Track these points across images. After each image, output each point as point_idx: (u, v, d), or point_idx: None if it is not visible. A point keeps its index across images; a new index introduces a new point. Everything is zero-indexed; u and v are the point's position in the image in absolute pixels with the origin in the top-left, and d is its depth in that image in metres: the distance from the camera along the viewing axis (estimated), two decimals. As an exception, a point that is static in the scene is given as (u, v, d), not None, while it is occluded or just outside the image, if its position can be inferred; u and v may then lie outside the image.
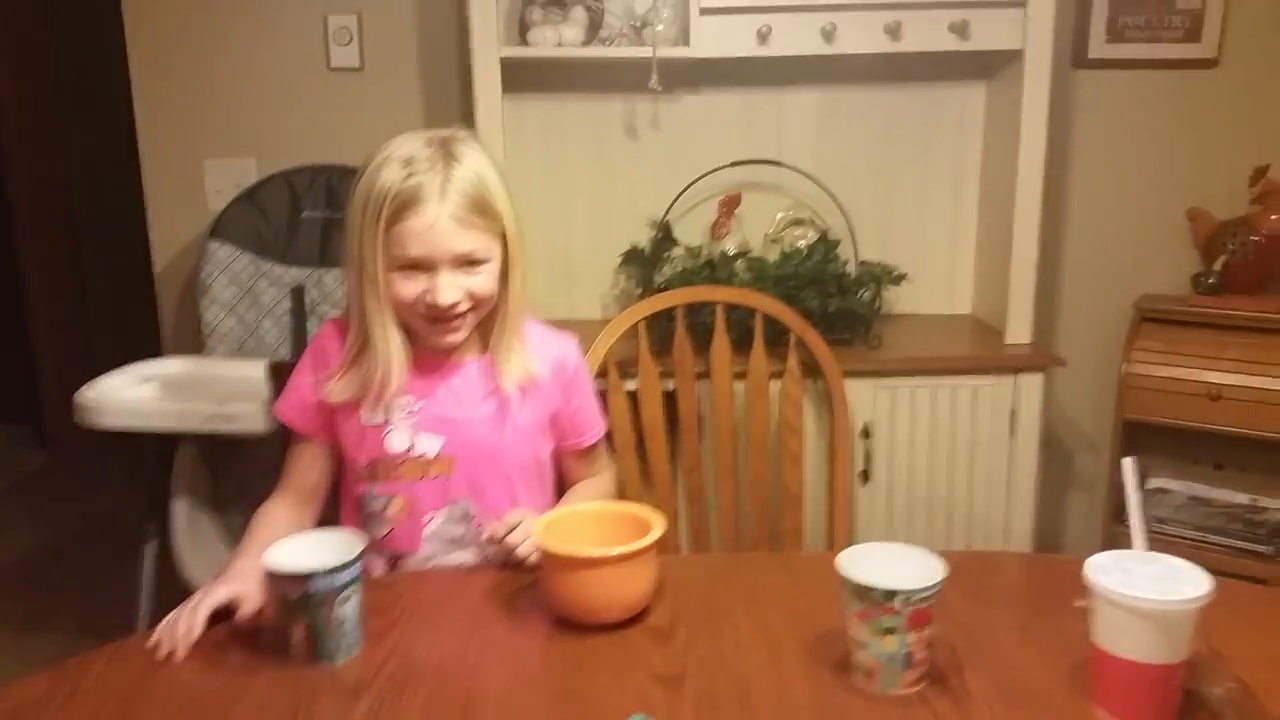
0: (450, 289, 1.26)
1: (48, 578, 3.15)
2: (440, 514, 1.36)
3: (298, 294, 2.29)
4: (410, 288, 1.27)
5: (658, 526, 1.14)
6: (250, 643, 1.10)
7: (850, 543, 1.05)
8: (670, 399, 1.98)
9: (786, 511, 1.96)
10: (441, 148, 1.27)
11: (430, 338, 1.32)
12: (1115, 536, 2.05)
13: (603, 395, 1.54)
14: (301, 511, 1.37)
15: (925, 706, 0.96)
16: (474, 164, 1.28)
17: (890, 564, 0.98)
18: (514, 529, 1.26)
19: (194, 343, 2.38)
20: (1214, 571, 0.92)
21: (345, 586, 1.04)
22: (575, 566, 1.10)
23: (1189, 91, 2.52)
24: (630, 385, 1.95)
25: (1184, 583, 0.90)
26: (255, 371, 1.98)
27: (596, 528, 1.18)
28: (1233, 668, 0.99)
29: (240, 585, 1.15)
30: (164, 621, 1.12)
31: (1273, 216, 2.36)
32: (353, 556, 1.06)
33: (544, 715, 0.98)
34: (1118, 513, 2.44)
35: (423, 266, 1.26)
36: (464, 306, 1.29)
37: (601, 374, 1.89)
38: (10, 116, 3.98)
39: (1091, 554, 0.96)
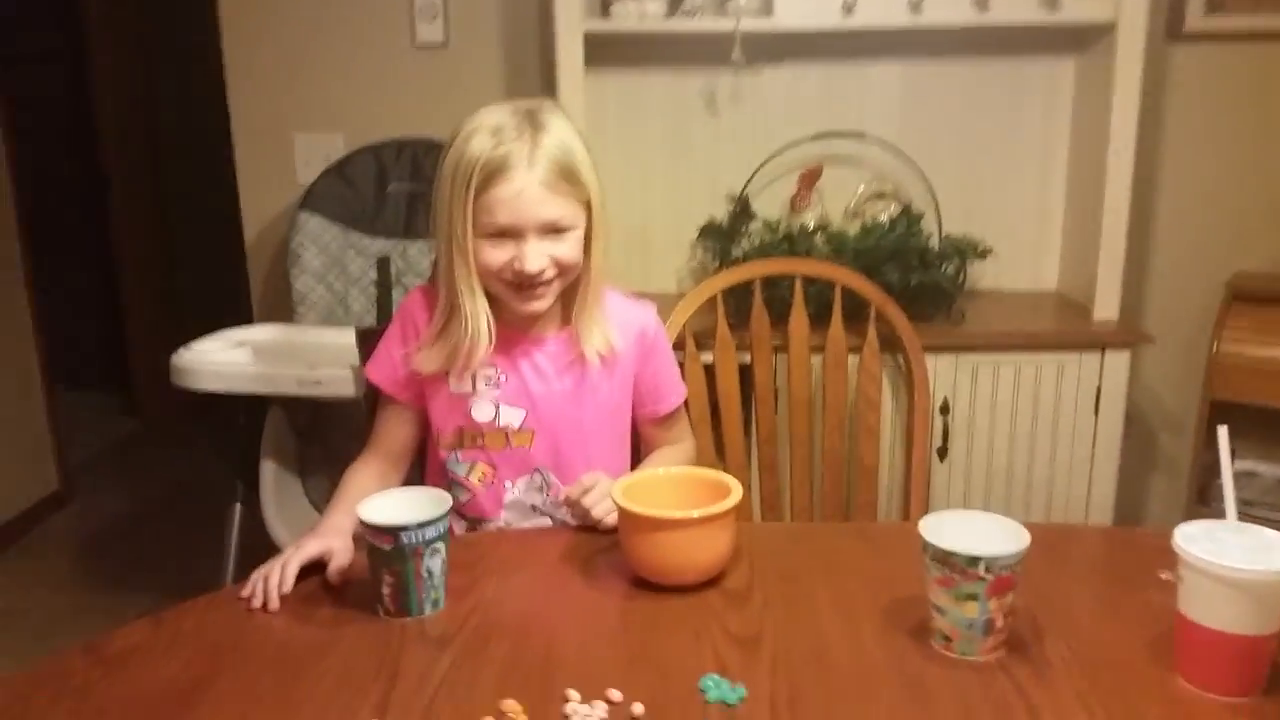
0: (537, 256, 1.28)
1: (136, 541, 3.27)
2: (520, 482, 1.39)
3: (383, 265, 2.34)
4: (498, 255, 1.29)
5: (736, 491, 1.15)
6: (339, 596, 1.14)
7: (925, 518, 1.05)
8: (746, 371, 1.98)
9: (861, 485, 1.95)
10: (528, 117, 1.29)
11: (515, 305, 1.33)
12: (1198, 518, 2.03)
13: (680, 366, 1.55)
14: (389, 471, 1.41)
15: (1004, 674, 0.96)
16: (560, 133, 1.29)
17: (973, 531, 0.98)
18: (589, 490, 1.28)
19: (282, 312, 2.44)
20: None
21: (434, 540, 1.07)
22: (654, 528, 1.11)
23: (1291, 64, 2.44)
24: (706, 357, 1.96)
25: (1277, 553, 0.89)
26: (344, 338, 2.02)
27: (675, 491, 1.19)
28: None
29: (331, 540, 1.19)
30: (256, 573, 1.16)
31: (1377, 194, 2.29)
32: (441, 513, 1.09)
33: (621, 672, 0.99)
34: (1201, 494, 2.39)
35: (510, 234, 1.28)
36: (550, 274, 1.30)
37: (678, 345, 1.88)
38: (106, 91, 4.11)
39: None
